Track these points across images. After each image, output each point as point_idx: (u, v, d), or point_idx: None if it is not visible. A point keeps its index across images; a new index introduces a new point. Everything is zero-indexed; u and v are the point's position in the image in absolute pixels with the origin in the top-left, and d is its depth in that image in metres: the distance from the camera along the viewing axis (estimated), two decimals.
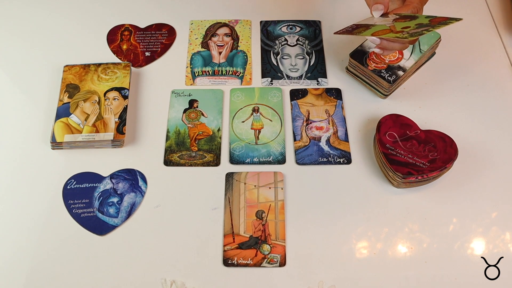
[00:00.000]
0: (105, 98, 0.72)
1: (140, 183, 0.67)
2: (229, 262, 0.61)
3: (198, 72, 0.77)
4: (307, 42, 0.80)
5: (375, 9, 0.64)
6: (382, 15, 0.64)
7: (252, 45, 0.80)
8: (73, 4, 0.85)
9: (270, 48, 0.80)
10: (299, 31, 0.81)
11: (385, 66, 0.72)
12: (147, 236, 0.63)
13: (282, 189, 0.66)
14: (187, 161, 0.69)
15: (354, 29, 0.65)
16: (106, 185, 0.67)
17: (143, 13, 0.84)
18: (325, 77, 0.77)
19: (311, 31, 0.82)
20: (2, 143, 0.70)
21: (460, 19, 0.59)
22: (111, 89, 0.73)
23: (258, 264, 0.61)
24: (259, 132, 0.72)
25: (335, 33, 0.67)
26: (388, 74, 0.71)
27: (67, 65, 0.76)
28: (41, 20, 0.83)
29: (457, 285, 0.60)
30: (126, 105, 0.72)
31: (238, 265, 0.61)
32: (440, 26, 0.59)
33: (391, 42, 0.63)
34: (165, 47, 0.80)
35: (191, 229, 0.64)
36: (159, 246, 0.62)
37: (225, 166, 0.69)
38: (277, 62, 0.78)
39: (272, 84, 0.76)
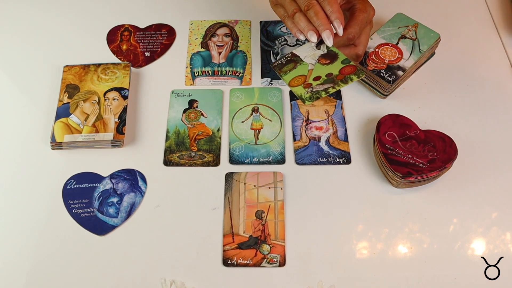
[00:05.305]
0: (105, 98, 0.72)
1: (140, 183, 0.67)
2: (228, 262, 0.61)
3: (198, 72, 0.77)
4: None
5: (310, 35, 0.62)
6: (319, 44, 0.64)
7: (252, 45, 0.80)
8: (73, 4, 0.85)
9: (269, 48, 0.80)
10: None
11: (384, 66, 0.71)
12: (146, 236, 0.63)
13: (281, 189, 0.66)
14: (187, 161, 0.69)
15: (284, 65, 0.65)
16: (106, 185, 0.67)
17: (142, 13, 0.84)
18: None
19: None
20: (2, 143, 0.70)
21: (362, 75, 0.60)
22: (111, 89, 0.73)
23: (257, 264, 0.61)
24: (259, 132, 0.72)
25: (271, 65, 0.66)
26: (387, 74, 0.71)
27: (67, 65, 0.76)
28: (41, 20, 0.83)
29: (457, 285, 0.60)
30: (126, 105, 0.72)
31: (238, 265, 0.61)
32: (342, 85, 0.60)
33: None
34: (165, 47, 0.80)
35: (191, 229, 0.64)
36: (159, 246, 0.62)
37: (225, 166, 0.69)
38: None
39: (271, 84, 0.76)
